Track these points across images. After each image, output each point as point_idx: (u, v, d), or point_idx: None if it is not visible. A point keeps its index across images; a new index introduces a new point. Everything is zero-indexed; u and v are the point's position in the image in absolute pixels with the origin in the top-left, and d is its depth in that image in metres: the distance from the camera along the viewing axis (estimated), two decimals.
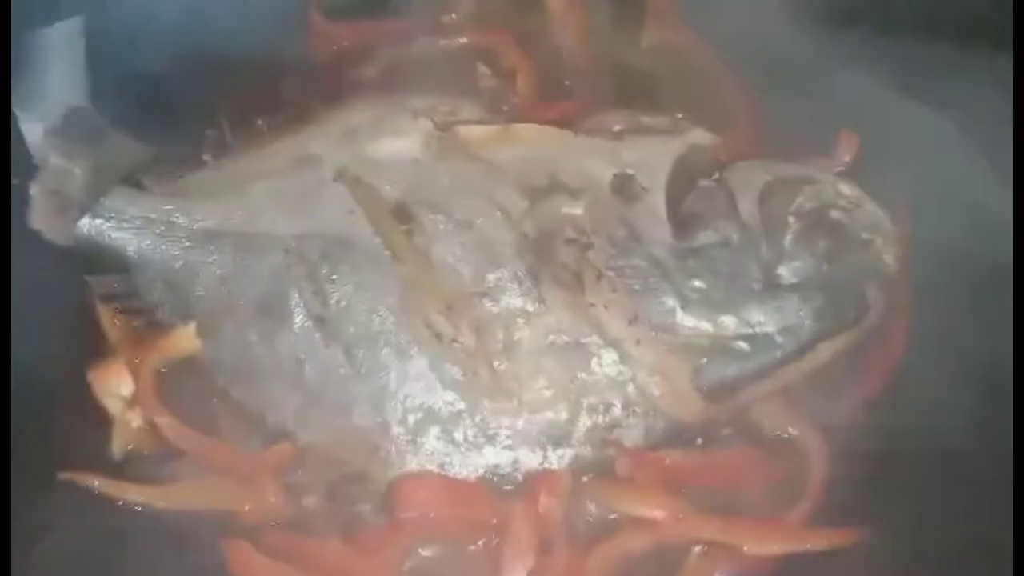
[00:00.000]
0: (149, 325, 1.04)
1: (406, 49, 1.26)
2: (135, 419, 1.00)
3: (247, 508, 0.95)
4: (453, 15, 1.29)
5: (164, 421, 0.98)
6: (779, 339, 0.96)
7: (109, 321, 1.05)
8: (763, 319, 0.96)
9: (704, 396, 0.95)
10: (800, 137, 1.11)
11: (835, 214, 1.01)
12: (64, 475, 0.93)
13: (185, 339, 1.02)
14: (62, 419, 0.99)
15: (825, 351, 0.97)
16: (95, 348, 1.04)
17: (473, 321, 0.97)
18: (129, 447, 1.00)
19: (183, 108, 1.16)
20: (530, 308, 0.97)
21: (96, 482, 0.94)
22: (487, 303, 0.98)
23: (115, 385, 1.01)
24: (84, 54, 1.14)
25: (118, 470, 0.96)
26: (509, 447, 0.96)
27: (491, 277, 0.99)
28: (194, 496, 0.97)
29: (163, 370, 1.01)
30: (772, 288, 0.98)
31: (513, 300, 0.98)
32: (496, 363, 0.96)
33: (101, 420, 1.00)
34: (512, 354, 0.96)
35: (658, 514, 0.92)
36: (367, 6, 1.29)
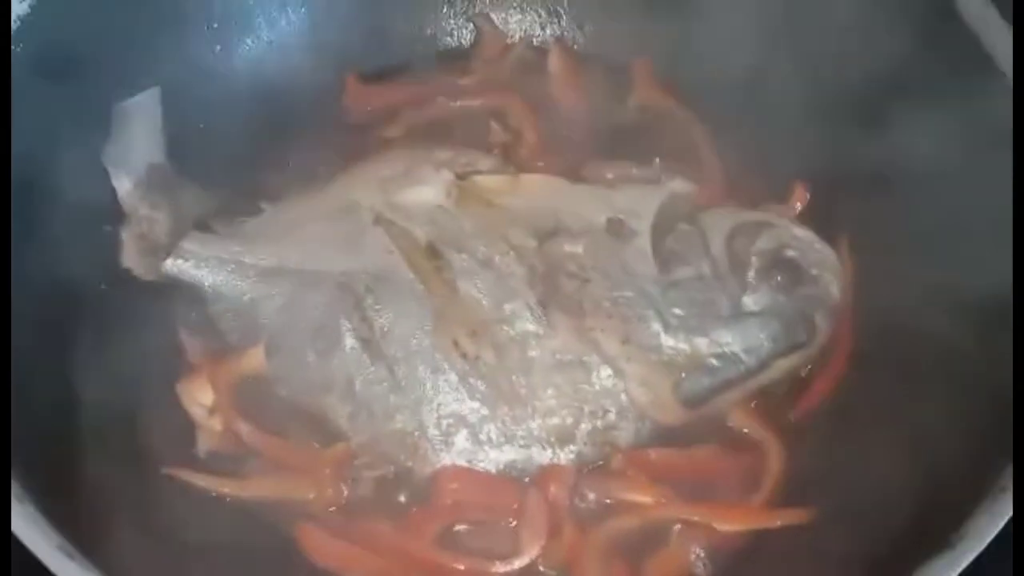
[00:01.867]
0: (223, 348, 1.16)
1: (427, 109, 1.37)
2: (216, 424, 1.11)
3: (311, 497, 1.07)
4: (467, 79, 1.40)
5: (240, 425, 1.10)
6: (743, 357, 1.10)
7: (191, 344, 1.17)
8: (730, 340, 1.10)
9: (683, 404, 1.09)
10: (761, 185, 1.25)
11: (790, 253, 1.14)
12: (165, 470, 1.06)
13: (254, 358, 1.13)
14: (157, 425, 1.10)
15: (781, 367, 1.12)
16: (181, 367, 1.15)
17: (493, 343, 1.10)
18: (211, 448, 1.11)
19: (242, 162, 1.29)
20: (540, 332, 1.10)
21: (189, 476, 1.07)
22: (505, 327, 1.11)
23: (198, 396, 1.12)
24: (160, 119, 1.25)
25: (204, 467, 1.09)
26: (524, 446, 1.08)
27: (507, 307, 1.12)
28: (267, 488, 1.08)
29: (238, 384, 1.12)
30: (738, 315, 1.12)
31: (526, 325, 1.10)
32: (513, 377, 1.09)
33: (188, 426, 1.12)
34: (526, 370, 1.09)
35: (645, 500, 1.06)
36: (394, 72, 1.42)
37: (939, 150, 1.08)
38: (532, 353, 1.11)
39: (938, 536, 0.80)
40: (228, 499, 1.08)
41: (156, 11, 1.27)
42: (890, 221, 1.15)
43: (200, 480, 1.07)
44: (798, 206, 1.23)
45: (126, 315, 1.15)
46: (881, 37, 1.14)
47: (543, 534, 1.04)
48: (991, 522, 0.79)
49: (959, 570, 0.77)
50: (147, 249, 1.20)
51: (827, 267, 1.16)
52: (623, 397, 1.09)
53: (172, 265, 1.17)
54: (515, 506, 1.06)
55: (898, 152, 1.13)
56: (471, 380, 1.10)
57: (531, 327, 1.11)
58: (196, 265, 1.18)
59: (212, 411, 1.12)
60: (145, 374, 1.12)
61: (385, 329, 1.12)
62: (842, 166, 1.21)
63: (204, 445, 1.11)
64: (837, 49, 1.19)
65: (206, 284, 1.18)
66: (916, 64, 1.12)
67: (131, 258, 1.19)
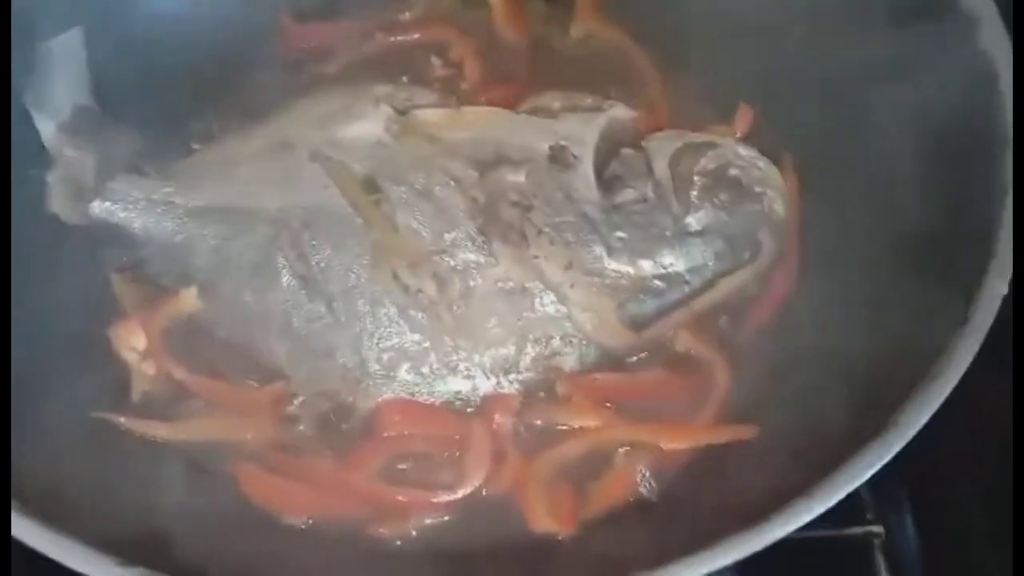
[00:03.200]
0: (156, 290, 1.14)
1: (365, 46, 1.34)
2: (149, 368, 1.09)
3: (249, 437, 1.06)
4: (407, 14, 1.37)
5: (174, 368, 1.08)
6: (688, 277, 1.09)
7: (121, 288, 1.14)
8: (674, 261, 1.09)
9: (628, 327, 1.08)
10: (707, 110, 1.23)
11: (733, 171, 1.12)
12: (96, 414, 1.04)
13: (187, 300, 1.11)
14: (88, 370, 1.07)
15: (725, 286, 1.11)
16: (112, 311, 1.12)
17: (435, 274, 1.08)
18: (145, 391, 1.08)
19: (173, 103, 1.25)
20: (482, 261, 1.08)
21: (122, 420, 1.05)
22: (446, 258, 1.08)
23: (130, 340, 1.09)
24: (85, 59, 1.21)
25: (137, 411, 1.07)
26: (468, 376, 1.07)
27: (447, 237, 1.09)
28: (203, 429, 1.06)
29: (171, 327, 1.10)
30: (681, 235, 1.10)
31: (467, 255, 1.08)
32: (455, 307, 1.08)
33: (121, 370, 1.10)
34: (468, 299, 1.07)
35: (590, 424, 1.05)
36: (329, 10, 1.37)
37: (890, 71, 1.06)
38: (474, 283, 1.09)
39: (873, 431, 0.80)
40: (163, 443, 1.05)
41: None
42: (836, 142, 1.14)
43: (133, 425, 1.05)
44: (743, 127, 1.21)
45: (53, 261, 1.12)
46: None
47: (487, 461, 1.03)
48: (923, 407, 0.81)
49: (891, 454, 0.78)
50: (74, 193, 1.16)
51: (771, 184, 1.14)
52: (567, 323, 1.08)
53: (100, 207, 1.15)
54: (458, 436, 1.05)
55: (848, 70, 1.11)
56: (411, 312, 1.08)
57: (472, 256, 1.09)
58: (125, 207, 1.15)
59: (145, 355, 1.10)
60: (75, 321, 1.09)
61: (323, 265, 1.10)
62: (788, 85, 1.19)
63: (138, 389, 1.09)
64: None
65: (135, 226, 1.15)
66: None
67: (57, 202, 1.16)
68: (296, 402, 1.08)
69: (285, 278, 1.10)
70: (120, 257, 1.15)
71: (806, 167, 1.17)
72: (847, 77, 1.12)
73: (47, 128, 1.17)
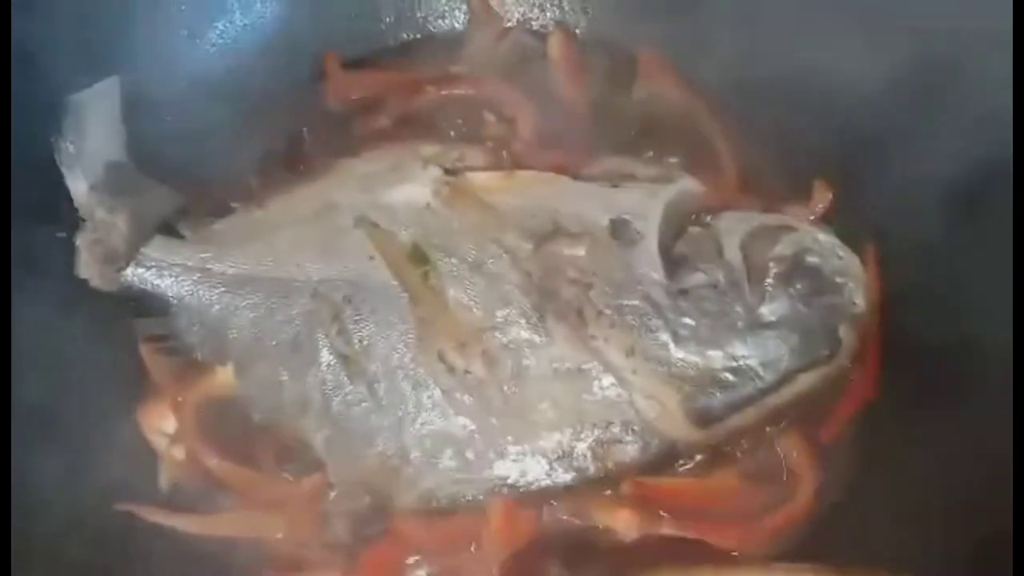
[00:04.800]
0: (188, 365, 1.07)
1: (415, 99, 1.28)
2: (178, 453, 1.04)
3: (280, 536, 1.00)
4: (459, 67, 1.31)
5: (206, 456, 1.02)
6: (760, 371, 1.01)
7: (152, 361, 1.08)
8: (746, 353, 1.01)
9: (694, 421, 1.00)
10: (780, 185, 1.16)
11: (811, 259, 1.05)
12: (121, 506, 0.98)
13: (223, 379, 1.06)
14: (115, 453, 1.02)
15: (802, 383, 1.02)
16: (142, 388, 1.07)
17: (485, 352, 1.02)
18: (174, 481, 1.03)
19: (211, 158, 1.18)
20: (537, 339, 1.02)
21: (146, 511, 0.99)
22: (497, 335, 1.02)
23: (159, 423, 1.05)
24: (120, 111, 1.15)
25: (166, 501, 1.01)
26: (518, 461, 1.00)
27: (500, 314, 1.03)
28: (234, 525, 1.01)
29: (204, 408, 1.04)
30: (754, 326, 1.02)
31: (520, 333, 1.02)
32: (505, 388, 1.01)
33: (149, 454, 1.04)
34: (520, 380, 1.01)
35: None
36: (379, 59, 1.32)
37: None
38: (527, 362, 1.03)
39: None
40: (189, 538, 1.00)
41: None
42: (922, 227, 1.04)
43: (160, 516, 1.00)
44: (820, 208, 1.14)
45: (80, 329, 1.05)
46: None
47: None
48: None
49: None
50: (105, 257, 1.10)
51: (851, 275, 1.06)
52: (628, 409, 1.01)
53: (133, 274, 1.09)
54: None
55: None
56: (457, 395, 1.02)
57: (526, 335, 1.03)
58: (159, 274, 1.10)
59: (175, 439, 1.05)
60: (103, 397, 1.04)
61: (365, 343, 1.04)
62: (870, 165, 1.11)
63: (167, 477, 1.04)
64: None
65: (170, 295, 1.09)
66: None
67: (87, 267, 1.10)
68: (334, 497, 1.01)
69: (325, 356, 1.05)
70: (152, 327, 1.10)
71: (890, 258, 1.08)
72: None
73: (79, 188, 1.12)
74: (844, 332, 1.03)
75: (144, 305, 1.09)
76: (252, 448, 1.04)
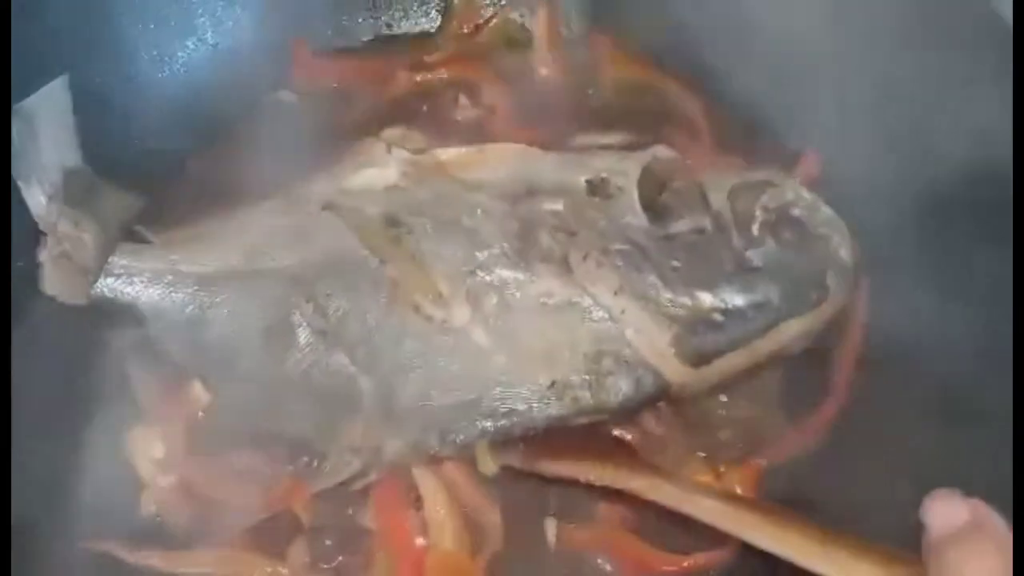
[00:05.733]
0: (169, 375, 1.04)
1: (387, 87, 1.27)
2: (163, 481, 1.00)
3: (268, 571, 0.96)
4: (433, 56, 1.30)
5: (195, 478, 0.99)
6: (750, 314, 0.99)
7: (140, 380, 1.04)
8: (736, 296, 0.99)
9: (684, 360, 0.97)
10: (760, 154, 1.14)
11: (796, 212, 1.03)
12: (85, 543, 0.93)
13: (195, 393, 1.03)
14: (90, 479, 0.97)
15: (791, 329, 1.00)
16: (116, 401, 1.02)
17: (469, 290, 0.99)
18: (156, 510, 0.99)
19: (172, 158, 1.18)
20: (521, 277, 0.99)
21: (119, 551, 0.94)
22: (480, 274, 0.99)
23: (148, 449, 1.01)
24: (72, 113, 1.08)
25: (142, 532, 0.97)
26: (507, 396, 0.96)
27: (480, 255, 1.00)
28: (208, 562, 0.96)
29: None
30: (743, 270, 1.00)
31: (504, 272, 0.99)
32: (491, 322, 0.98)
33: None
34: (506, 314, 0.98)
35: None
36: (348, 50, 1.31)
37: None
38: (513, 297, 0.99)
39: None
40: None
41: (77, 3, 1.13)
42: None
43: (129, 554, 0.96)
44: (807, 173, 1.12)
45: (51, 346, 1.02)
46: None
47: None
48: None
49: None
50: (72, 271, 1.04)
51: (836, 229, 1.04)
52: (620, 340, 0.97)
53: (103, 285, 1.03)
54: None
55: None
56: (436, 339, 0.99)
57: (509, 273, 1.00)
58: (129, 281, 1.05)
59: (162, 464, 1.01)
60: (74, 417, 1.00)
61: (340, 313, 1.02)
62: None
63: (148, 506, 1.00)
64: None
65: (143, 301, 1.04)
66: None
67: (53, 283, 1.04)
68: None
69: (303, 336, 1.02)
70: (127, 337, 1.05)
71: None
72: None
73: (37, 200, 1.04)
74: (831, 280, 1.01)
75: (117, 315, 1.04)
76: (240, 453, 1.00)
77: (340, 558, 0.98)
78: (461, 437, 0.97)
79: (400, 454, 0.97)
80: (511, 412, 0.96)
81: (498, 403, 0.96)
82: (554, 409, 0.96)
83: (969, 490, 0.72)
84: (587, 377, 0.96)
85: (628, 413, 1.00)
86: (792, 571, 0.77)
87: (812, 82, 1.12)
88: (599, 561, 1.00)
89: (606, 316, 0.97)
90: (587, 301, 0.97)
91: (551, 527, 1.01)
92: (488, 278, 0.99)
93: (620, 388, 0.96)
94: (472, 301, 0.98)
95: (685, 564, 0.98)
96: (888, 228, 1.05)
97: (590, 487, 0.94)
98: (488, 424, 0.96)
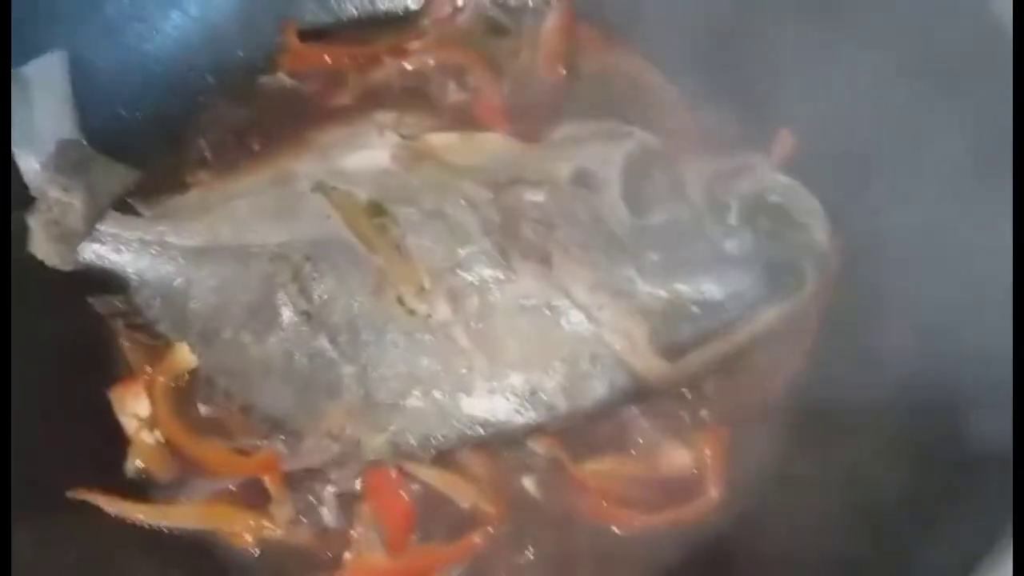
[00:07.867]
0: (152, 340, 1.05)
1: (374, 71, 1.27)
2: (148, 438, 1.01)
3: (242, 528, 0.98)
4: (416, 43, 1.29)
5: (179, 437, 1.01)
6: (726, 304, 1.01)
7: (126, 339, 1.06)
8: (712, 286, 1.01)
9: (661, 354, 0.99)
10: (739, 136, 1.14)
11: (773, 198, 1.05)
12: (72, 494, 0.95)
13: (182, 355, 1.04)
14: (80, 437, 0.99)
15: (767, 317, 1.02)
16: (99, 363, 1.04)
17: (449, 290, 1.01)
18: (142, 466, 1.01)
19: (165, 133, 1.18)
20: (501, 276, 1.01)
21: (101, 501, 0.96)
22: (460, 273, 1.01)
23: (132, 405, 1.02)
24: (70, 87, 1.10)
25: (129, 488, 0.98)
26: (486, 400, 0.99)
27: (462, 252, 1.02)
28: (192, 517, 0.99)
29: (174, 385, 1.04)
30: (719, 260, 1.02)
31: (484, 270, 1.01)
32: (472, 324, 1.00)
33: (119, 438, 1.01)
34: (486, 317, 1.00)
35: None
36: (336, 35, 1.31)
37: None
38: (493, 299, 1.01)
39: None
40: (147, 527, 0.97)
41: None
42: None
43: (115, 506, 0.96)
44: (782, 155, 1.11)
45: (37, 310, 1.02)
46: None
47: None
48: None
49: None
50: (60, 236, 1.05)
51: (813, 214, 1.06)
52: (597, 344, 0.99)
53: (90, 251, 1.06)
54: None
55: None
56: (418, 336, 1.01)
57: (490, 272, 1.02)
58: (116, 249, 1.07)
59: (147, 423, 1.02)
60: (59, 377, 1.02)
61: (325, 297, 1.03)
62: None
63: (133, 462, 1.01)
64: None
65: (129, 270, 1.07)
66: None
67: (41, 247, 1.05)
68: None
69: (286, 315, 1.03)
70: (112, 304, 1.06)
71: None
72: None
73: (30, 167, 1.06)
74: (808, 267, 1.03)
75: (103, 282, 1.05)
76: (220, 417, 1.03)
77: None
78: (439, 440, 0.99)
79: (379, 452, 0.99)
80: (486, 423, 0.99)
81: (476, 411, 0.98)
82: (530, 418, 0.99)
83: None
84: (563, 382, 0.98)
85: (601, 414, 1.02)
86: None
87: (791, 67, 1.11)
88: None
89: (583, 319, 0.99)
90: (565, 303, 0.99)
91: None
92: (469, 277, 1.01)
93: (595, 391, 0.99)
94: (453, 301, 1.00)
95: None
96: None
97: None
98: (467, 431, 0.98)
